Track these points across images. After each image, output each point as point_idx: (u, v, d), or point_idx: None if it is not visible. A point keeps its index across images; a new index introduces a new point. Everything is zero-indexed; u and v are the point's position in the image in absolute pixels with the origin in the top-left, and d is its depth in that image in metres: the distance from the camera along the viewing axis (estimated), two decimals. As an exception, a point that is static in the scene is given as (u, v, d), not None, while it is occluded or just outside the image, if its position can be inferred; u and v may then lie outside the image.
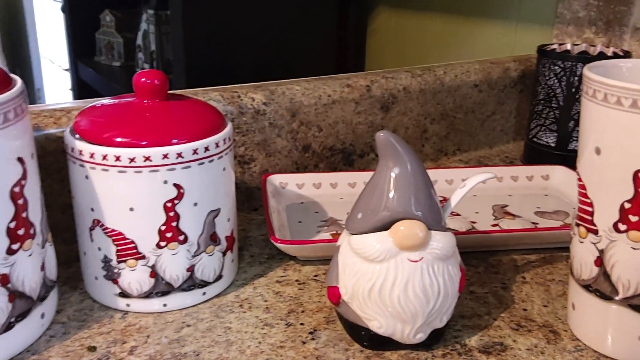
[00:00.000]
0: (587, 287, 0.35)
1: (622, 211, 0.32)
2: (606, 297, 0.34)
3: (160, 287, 0.37)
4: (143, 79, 0.37)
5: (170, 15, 0.93)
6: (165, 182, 0.36)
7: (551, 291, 0.41)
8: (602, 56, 0.61)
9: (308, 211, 0.50)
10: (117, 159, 0.35)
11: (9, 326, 0.33)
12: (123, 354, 0.34)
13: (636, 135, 0.31)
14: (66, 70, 1.45)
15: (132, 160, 0.35)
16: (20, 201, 0.32)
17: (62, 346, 0.35)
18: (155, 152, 0.35)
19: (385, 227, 0.34)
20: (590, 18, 0.75)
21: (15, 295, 0.33)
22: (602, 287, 0.34)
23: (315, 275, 0.42)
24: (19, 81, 0.33)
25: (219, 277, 0.40)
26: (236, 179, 0.51)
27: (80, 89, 1.29)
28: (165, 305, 0.38)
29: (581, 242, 0.35)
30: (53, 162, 0.43)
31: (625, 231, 0.32)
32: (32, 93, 2.17)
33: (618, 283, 0.33)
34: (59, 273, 0.39)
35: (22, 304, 0.34)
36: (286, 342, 0.35)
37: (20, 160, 0.32)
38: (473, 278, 0.42)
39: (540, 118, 0.64)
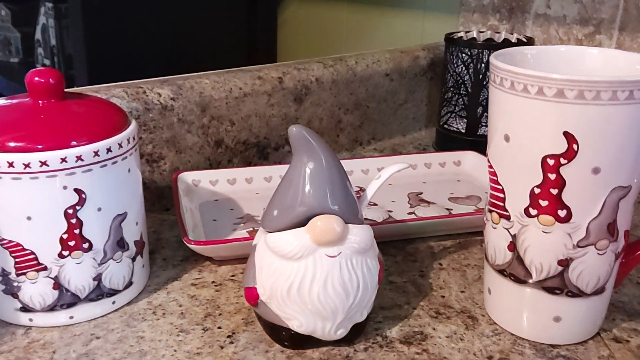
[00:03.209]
0: (501, 271, 0.36)
1: (532, 196, 0.33)
2: (520, 281, 0.35)
3: (66, 299, 0.35)
4: (36, 78, 0.34)
5: (69, 8, 0.88)
6: (65, 187, 0.33)
7: (467, 276, 0.42)
8: (506, 43, 0.63)
9: (223, 209, 0.48)
10: (10, 165, 0.32)
11: None
12: (26, 375, 0.32)
13: (543, 121, 0.31)
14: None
15: (26, 165, 0.32)
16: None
17: (-44, 371, 0.32)
18: (53, 156, 0.32)
19: (302, 223, 0.33)
20: (494, 5, 0.77)
21: None
22: (516, 271, 0.35)
23: (233, 276, 0.41)
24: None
25: (129, 284, 0.37)
26: (145, 179, 0.49)
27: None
28: (71, 317, 0.35)
29: (494, 228, 0.35)
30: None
31: (536, 215, 0.33)
32: None
33: (531, 266, 0.34)
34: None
35: None
36: (203, 348, 0.34)
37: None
38: (392, 268, 0.42)
39: (450, 105, 0.65)
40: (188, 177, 0.50)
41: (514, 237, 0.34)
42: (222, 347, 0.34)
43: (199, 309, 0.37)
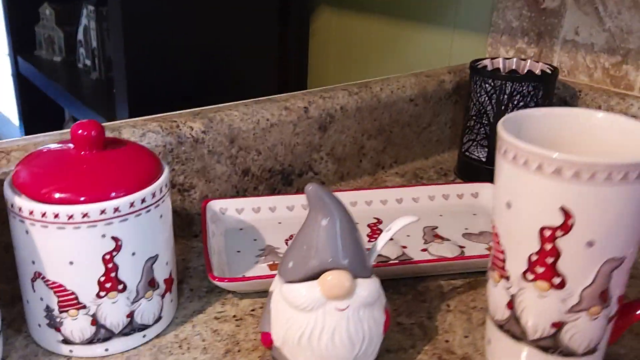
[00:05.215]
0: (500, 326, 0.38)
1: (530, 262, 0.35)
2: (517, 338, 0.37)
3: (102, 334, 0.39)
4: (80, 131, 0.38)
5: (108, 14, 0.92)
6: (104, 235, 0.37)
7: (473, 320, 0.44)
8: (529, 75, 0.64)
9: (246, 238, 0.52)
10: (56, 216, 0.36)
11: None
12: (66, 403, 0.36)
13: (541, 195, 0.34)
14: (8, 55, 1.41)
15: (70, 217, 0.36)
16: None
17: (5, 396, 0.36)
18: (93, 209, 0.36)
19: (315, 276, 0.36)
20: (523, 28, 0.78)
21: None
22: (513, 328, 0.37)
23: (252, 310, 0.44)
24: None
25: (159, 318, 0.41)
26: (177, 207, 0.52)
27: (21, 85, 1.26)
28: (107, 350, 0.39)
29: (495, 286, 0.38)
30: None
31: (533, 280, 0.35)
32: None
33: (527, 326, 0.36)
34: (4, 314, 0.40)
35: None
36: (223, 384, 0.37)
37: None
38: (402, 307, 0.45)
39: (472, 133, 0.67)
40: (216, 205, 0.53)
41: (512, 297, 0.37)
42: (239, 384, 0.37)
43: (220, 344, 0.41)
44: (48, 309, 0.38)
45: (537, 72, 0.66)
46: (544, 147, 0.40)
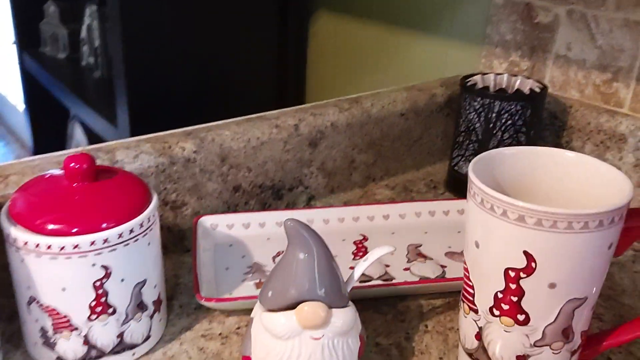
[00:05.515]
0: (470, 354, 0.40)
1: (496, 299, 0.37)
2: (484, 367, 0.39)
3: (93, 353, 0.41)
4: (72, 164, 0.40)
5: (108, 14, 0.93)
6: (94, 264, 0.39)
7: (449, 341, 0.46)
8: (518, 94, 0.66)
9: (235, 255, 0.54)
10: (49, 247, 0.38)
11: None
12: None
13: (505, 239, 0.35)
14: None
15: (62, 248, 0.38)
16: None
17: (2, 413, 0.39)
18: (84, 240, 0.38)
19: (292, 306, 0.38)
20: (516, 42, 0.79)
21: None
22: (481, 358, 0.39)
23: (238, 328, 0.46)
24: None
25: (147, 337, 0.43)
26: (169, 223, 0.54)
27: (26, 80, 1.28)
28: (97, 368, 0.42)
29: (465, 317, 0.40)
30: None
31: (499, 316, 0.37)
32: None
33: (493, 357, 0.38)
34: (3, 329, 0.43)
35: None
36: (206, 405, 0.40)
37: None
38: (381, 328, 0.47)
39: (462, 148, 0.68)
40: (207, 221, 0.55)
41: (480, 329, 0.39)
42: (221, 405, 0.40)
43: (205, 363, 0.43)
44: (43, 330, 0.41)
45: (527, 90, 0.67)
46: (518, 184, 0.42)
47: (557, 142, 0.74)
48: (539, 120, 0.67)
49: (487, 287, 0.37)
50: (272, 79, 1.05)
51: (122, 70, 0.93)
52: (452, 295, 0.51)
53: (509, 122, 0.65)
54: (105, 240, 0.39)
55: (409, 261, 0.55)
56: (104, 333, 0.41)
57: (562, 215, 0.33)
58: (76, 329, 0.40)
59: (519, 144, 0.66)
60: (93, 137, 1.18)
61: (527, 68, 0.78)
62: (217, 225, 0.56)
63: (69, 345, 0.41)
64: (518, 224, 0.34)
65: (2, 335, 0.41)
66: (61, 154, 0.50)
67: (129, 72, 0.93)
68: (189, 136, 0.55)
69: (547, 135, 0.75)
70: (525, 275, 0.35)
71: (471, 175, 0.37)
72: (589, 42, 0.72)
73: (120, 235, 0.39)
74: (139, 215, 0.41)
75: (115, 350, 0.42)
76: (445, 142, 0.76)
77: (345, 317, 0.39)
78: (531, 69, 0.78)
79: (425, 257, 0.55)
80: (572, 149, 0.73)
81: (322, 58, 1.07)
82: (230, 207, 0.59)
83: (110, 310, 0.41)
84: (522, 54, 0.78)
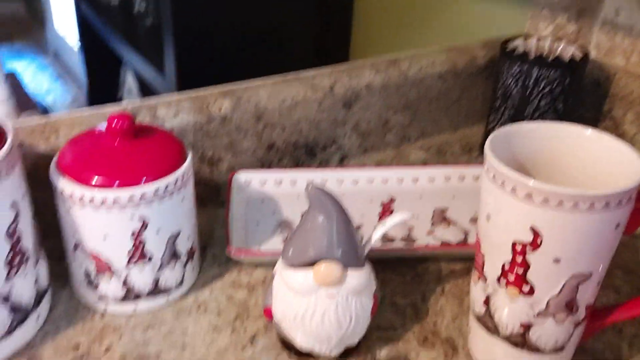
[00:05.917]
0: (478, 318, 0.42)
1: (503, 270, 0.39)
2: (491, 331, 0.41)
3: (131, 296, 0.45)
4: (114, 123, 0.43)
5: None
6: (132, 216, 0.43)
7: (463, 305, 0.48)
8: (558, 61, 0.65)
9: (266, 211, 0.57)
10: (92, 200, 0.42)
11: (10, 331, 0.41)
12: (100, 353, 0.43)
13: (514, 214, 0.37)
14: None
15: (103, 201, 0.42)
16: (15, 237, 0.40)
17: (53, 344, 0.43)
18: (123, 194, 0.42)
19: (311, 264, 0.41)
20: (563, 5, 0.77)
21: (15, 308, 0.41)
22: (488, 323, 0.41)
23: (264, 280, 0.50)
24: (9, 136, 0.39)
25: (180, 283, 0.47)
26: (206, 178, 0.58)
27: (82, 25, 1.32)
28: (135, 309, 0.46)
29: (475, 284, 0.42)
30: (44, 175, 0.49)
31: (505, 285, 0.39)
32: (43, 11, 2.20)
33: (499, 323, 0.41)
34: (54, 268, 0.47)
35: (21, 314, 0.42)
36: (229, 347, 0.44)
37: (14, 204, 0.39)
38: (398, 288, 0.50)
39: (498, 114, 0.68)
40: (241, 177, 0.58)
41: (487, 296, 0.41)
42: (243, 349, 0.43)
43: (232, 309, 0.47)
44: (86, 272, 0.45)
45: (567, 57, 0.66)
46: (537, 160, 0.43)
47: (597, 110, 0.73)
48: (578, 89, 0.66)
49: (495, 258, 0.39)
50: (313, 26, 1.05)
51: (170, 19, 0.95)
52: (472, 260, 0.53)
53: (547, 89, 0.65)
54: (143, 195, 0.42)
55: (433, 225, 0.56)
56: (141, 278, 0.45)
57: (569, 195, 0.34)
58: (116, 273, 0.44)
59: (556, 111, 0.66)
60: (144, 85, 1.22)
61: (573, 32, 0.76)
62: (251, 181, 0.59)
63: (110, 287, 0.45)
64: (526, 201, 0.36)
65: (51, 274, 0.46)
66: (108, 108, 0.53)
67: (177, 21, 0.95)
68: (226, 95, 0.58)
69: (588, 102, 0.74)
70: (531, 249, 0.37)
71: (487, 151, 0.38)
72: (637, 9, 0.70)
73: (156, 191, 0.43)
74: (174, 172, 0.44)
75: (150, 294, 0.46)
76: (485, 104, 0.76)
77: (360, 277, 0.41)
78: (577, 33, 0.76)
79: (449, 222, 0.57)
80: (612, 117, 0.72)
81: (369, 17, 1.07)
82: (264, 164, 0.61)
83: (147, 258, 0.44)
84: (569, 17, 0.77)
